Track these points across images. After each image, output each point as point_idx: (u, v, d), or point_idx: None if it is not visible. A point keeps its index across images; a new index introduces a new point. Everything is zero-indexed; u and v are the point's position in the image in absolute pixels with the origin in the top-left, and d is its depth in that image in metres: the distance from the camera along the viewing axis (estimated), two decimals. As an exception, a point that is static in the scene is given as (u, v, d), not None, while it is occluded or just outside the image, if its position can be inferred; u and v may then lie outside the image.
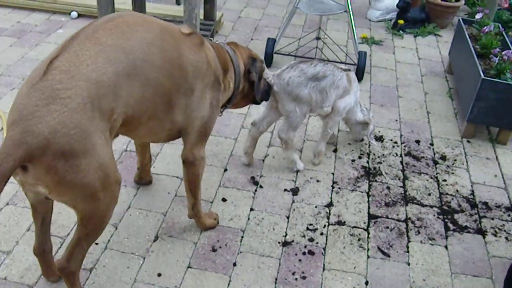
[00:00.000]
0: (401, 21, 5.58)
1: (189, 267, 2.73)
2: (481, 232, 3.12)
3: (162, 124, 2.40)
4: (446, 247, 2.99)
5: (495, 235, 3.10)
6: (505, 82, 3.74)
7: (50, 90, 1.89)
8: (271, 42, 4.62)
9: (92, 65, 1.99)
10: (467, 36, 4.35)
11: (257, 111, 3.93)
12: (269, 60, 4.64)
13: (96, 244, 2.81)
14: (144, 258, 2.76)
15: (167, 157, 3.45)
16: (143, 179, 3.22)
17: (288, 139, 3.31)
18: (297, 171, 3.43)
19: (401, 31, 5.58)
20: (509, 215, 3.26)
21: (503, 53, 3.89)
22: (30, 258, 2.69)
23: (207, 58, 2.47)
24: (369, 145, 3.75)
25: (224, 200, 3.17)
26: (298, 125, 3.30)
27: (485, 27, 4.30)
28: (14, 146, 1.83)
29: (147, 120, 2.30)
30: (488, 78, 3.74)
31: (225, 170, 3.42)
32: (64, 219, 2.93)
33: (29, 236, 2.83)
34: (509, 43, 4.29)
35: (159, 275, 2.68)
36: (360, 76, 4.52)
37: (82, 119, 1.91)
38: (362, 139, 3.78)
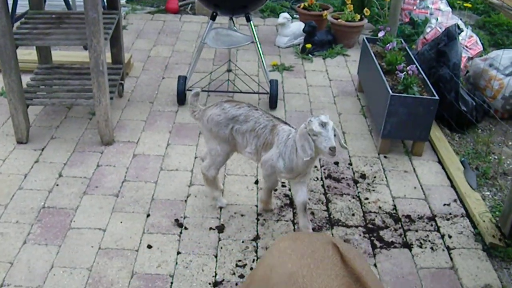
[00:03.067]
0: (308, 45, 5.68)
1: (119, 322, 2.65)
2: (407, 245, 3.17)
3: None
4: (375, 265, 3.03)
5: (421, 247, 3.16)
6: (413, 96, 3.86)
7: None
8: (182, 80, 4.55)
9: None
10: (372, 54, 4.47)
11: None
12: (182, 98, 4.57)
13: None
14: (71, 319, 2.66)
15: (87, 209, 3.35)
16: None
17: (209, 176, 3.29)
18: (221, 208, 3.41)
19: (310, 55, 5.68)
20: (431, 225, 3.33)
21: (408, 68, 4.02)
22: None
23: None
24: (290, 172, 3.76)
25: (149, 247, 3.10)
26: (220, 163, 3.27)
27: (388, 44, 4.43)
28: None
29: None
30: (397, 94, 3.85)
31: (148, 215, 3.34)
32: None
33: None
34: (412, 57, 4.42)
35: (89, 334, 2.58)
36: (273, 104, 4.56)
37: None
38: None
